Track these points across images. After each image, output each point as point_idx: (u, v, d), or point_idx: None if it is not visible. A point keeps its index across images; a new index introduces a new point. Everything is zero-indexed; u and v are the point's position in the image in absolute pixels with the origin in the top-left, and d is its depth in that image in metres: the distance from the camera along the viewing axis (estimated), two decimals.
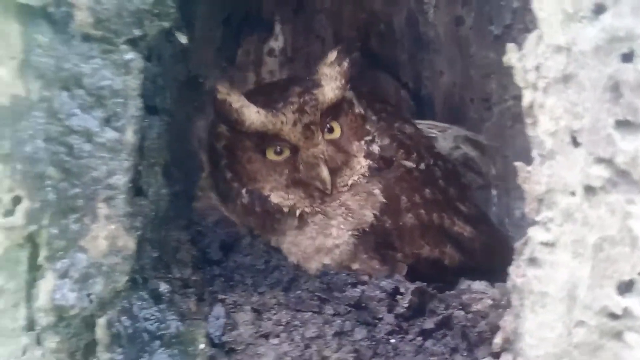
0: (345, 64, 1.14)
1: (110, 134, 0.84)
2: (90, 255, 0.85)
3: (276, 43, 1.53)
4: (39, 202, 0.82)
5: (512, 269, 0.75)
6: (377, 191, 1.14)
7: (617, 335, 0.67)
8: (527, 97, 0.73)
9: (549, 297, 0.71)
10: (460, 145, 1.47)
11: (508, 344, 0.75)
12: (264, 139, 1.10)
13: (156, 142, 0.96)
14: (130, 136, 0.86)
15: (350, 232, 1.11)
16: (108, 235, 0.86)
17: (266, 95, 1.12)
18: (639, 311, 0.65)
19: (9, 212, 0.81)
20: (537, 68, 0.72)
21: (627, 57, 0.64)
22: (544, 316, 0.71)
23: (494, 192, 1.53)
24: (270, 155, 1.11)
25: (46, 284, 0.84)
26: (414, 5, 1.58)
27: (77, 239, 0.85)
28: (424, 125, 1.43)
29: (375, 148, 1.17)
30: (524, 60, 0.73)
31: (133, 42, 0.83)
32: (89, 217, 0.85)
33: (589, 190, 0.68)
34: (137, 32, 0.82)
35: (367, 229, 1.12)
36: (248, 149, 1.12)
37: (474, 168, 1.49)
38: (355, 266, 1.12)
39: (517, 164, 0.74)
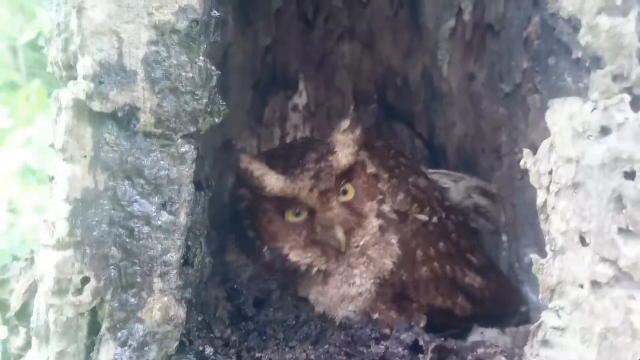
0: (358, 131, 1.21)
1: (165, 217, 0.94)
2: (146, 325, 0.95)
3: (300, 99, 1.62)
4: (103, 280, 0.92)
5: (527, 349, 0.84)
6: (394, 241, 1.21)
7: None
8: (541, 197, 0.83)
9: None
10: (472, 195, 1.55)
11: None
12: (283, 202, 1.18)
13: (201, 216, 1.05)
14: (182, 218, 0.96)
15: (372, 280, 1.19)
16: (162, 307, 0.96)
17: (284, 160, 1.19)
18: None
19: (78, 291, 0.91)
20: (550, 173, 0.81)
21: (629, 175, 0.74)
22: None
23: (504, 238, 1.62)
24: (289, 217, 1.20)
25: (108, 353, 0.94)
26: (428, 61, 1.67)
27: (135, 311, 0.94)
28: (437, 175, 1.51)
29: (386, 208, 1.24)
30: (538, 164, 0.83)
31: (188, 137, 0.93)
32: (146, 291, 0.95)
33: (595, 284, 0.77)
34: (192, 129, 0.92)
35: (387, 277, 1.19)
36: (268, 211, 1.20)
37: (485, 215, 1.57)
38: (375, 315, 1.20)
39: (533, 256, 0.83)
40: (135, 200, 0.92)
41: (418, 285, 1.23)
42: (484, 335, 1.29)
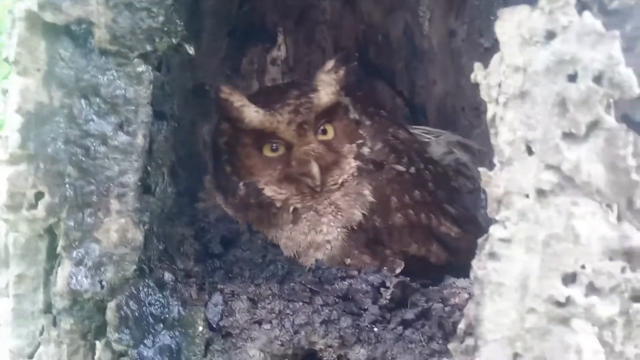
0: (342, 71, 1.23)
1: (122, 138, 0.95)
2: (102, 245, 0.95)
3: (279, 53, 1.62)
4: (58, 197, 0.93)
5: (474, 262, 0.83)
6: (366, 192, 1.22)
7: (563, 321, 0.76)
8: (491, 110, 0.82)
9: (505, 287, 0.80)
10: (453, 150, 1.55)
11: (471, 329, 0.84)
12: (262, 136, 1.19)
13: (163, 145, 1.06)
14: (140, 140, 0.96)
15: (339, 229, 1.19)
16: (119, 228, 0.96)
17: (266, 96, 1.22)
18: (581, 300, 0.74)
19: (32, 206, 0.91)
20: (499, 85, 0.81)
21: (572, 78, 0.73)
22: (500, 304, 0.80)
23: (482, 195, 1.62)
24: (267, 151, 1.21)
25: (63, 271, 0.94)
26: (410, 18, 1.67)
27: (92, 231, 0.95)
28: (419, 130, 1.51)
29: (365, 150, 1.25)
30: (488, 78, 0.83)
31: (145, 56, 0.94)
32: (102, 211, 0.95)
33: (540, 193, 0.77)
34: (148, 48, 0.92)
35: (356, 227, 1.20)
36: (247, 145, 1.22)
37: (465, 173, 1.56)
38: (347, 261, 1.20)
39: (481, 169, 0.83)
40: (92, 119, 0.93)
41: (392, 232, 1.23)
42: (455, 284, 1.28)
